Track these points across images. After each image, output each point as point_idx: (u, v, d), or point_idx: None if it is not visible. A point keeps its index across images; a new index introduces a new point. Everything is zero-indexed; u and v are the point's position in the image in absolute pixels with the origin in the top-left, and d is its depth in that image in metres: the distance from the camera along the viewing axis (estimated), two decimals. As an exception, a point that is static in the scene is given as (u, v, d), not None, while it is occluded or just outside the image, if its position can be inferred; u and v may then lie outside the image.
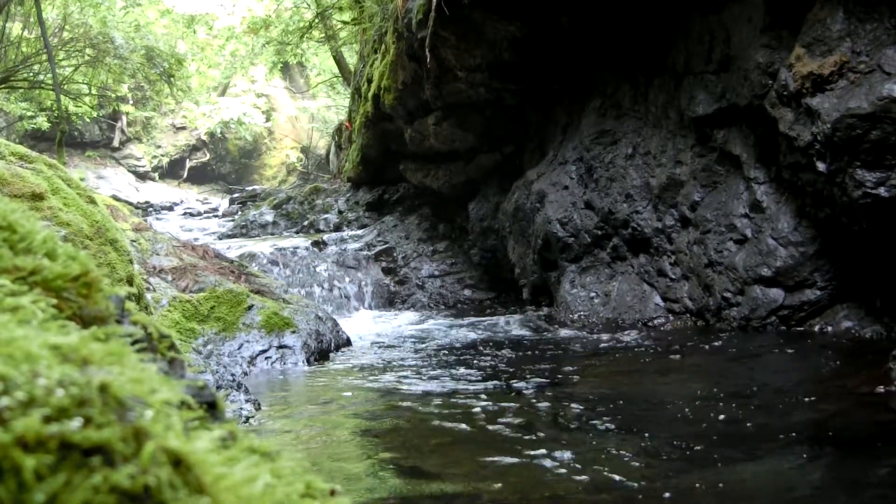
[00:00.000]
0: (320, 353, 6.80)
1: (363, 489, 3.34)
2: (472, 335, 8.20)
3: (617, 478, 3.40)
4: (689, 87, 7.85)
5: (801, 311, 6.82)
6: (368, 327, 9.17)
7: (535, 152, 10.61)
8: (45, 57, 17.67)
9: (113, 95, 23.92)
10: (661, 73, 8.38)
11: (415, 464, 3.70)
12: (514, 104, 10.27)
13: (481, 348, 7.19)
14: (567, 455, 3.76)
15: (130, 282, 4.58)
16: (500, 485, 3.32)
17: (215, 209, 23.00)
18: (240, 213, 18.02)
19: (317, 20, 21.51)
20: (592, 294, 8.81)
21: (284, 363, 6.44)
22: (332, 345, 7.08)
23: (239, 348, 6.37)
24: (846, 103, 5.81)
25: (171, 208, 24.58)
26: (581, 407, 4.71)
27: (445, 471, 3.56)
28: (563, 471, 3.50)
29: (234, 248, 11.65)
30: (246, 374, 6.06)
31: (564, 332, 7.93)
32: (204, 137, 33.56)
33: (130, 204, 19.25)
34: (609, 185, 8.83)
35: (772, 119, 6.67)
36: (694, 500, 3.12)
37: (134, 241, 7.08)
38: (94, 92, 22.30)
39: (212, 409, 0.80)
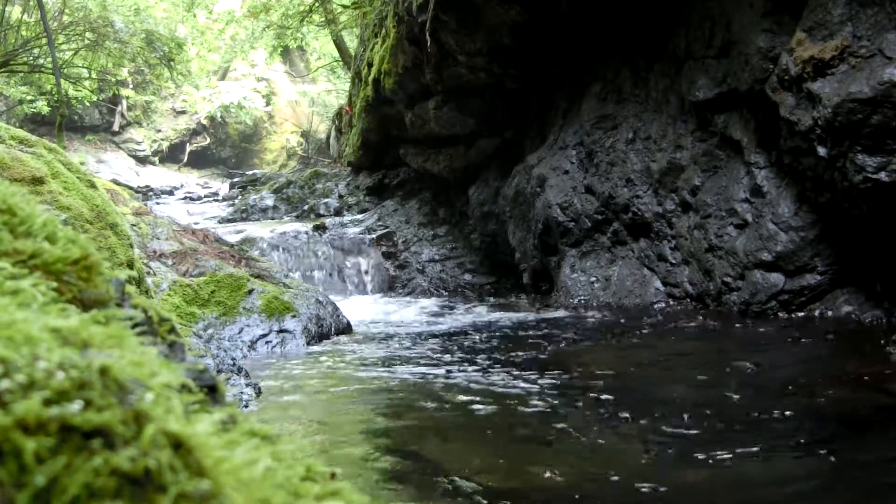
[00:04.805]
0: (321, 338, 6.81)
1: (363, 473, 3.35)
2: (472, 320, 8.21)
3: (617, 465, 3.41)
4: (690, 72, 7.84)
5: (801, 296, 6.82)
6: (369, 312, 9.18)
7: (535, 137, 10.59)
8: (44, 41, 17.62)
9: (113, 79, 23.87)
10: (662, 58, 8.36)
11: (414, 449, 3.71)
12: (514, 89, 10.24)
13: (481, 333, 7.20)
14: (566, 442, 3.77)
15: (131, 266, 4.58)
16: (500, 471, 3.33)
17: (215, 193, 23.00)
18: (240, 197, 18.02)
19: (317, 4, 21.46)
20: (593, 279, 8.81)
21: (285, 347, 6.44)
22: (333, 329, 7.08)
23: (239, 332, 6.38)
24: (847, 88, 5.80)
25: (171, 192, 24.59)
26: (581, 393, 4.72)
27: (445, 456, 3.57)
28: (562, 458, 3.51)
29: (234, 233, 11.64)
30: (246, 358, 6.07)
31: (564, 317, 7.94)
32: (204, 121, 33.52)
33: (130, 188, 19.26)
34: (609, 169, 8.82)
35: (772, 104, 6.66)
36: (695, 486, 3.13)
37: (134, 225, 7.08)
38: (93, 76, 22.26)
39: (212, 392, 0.80)
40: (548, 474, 3.23)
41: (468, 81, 10.24)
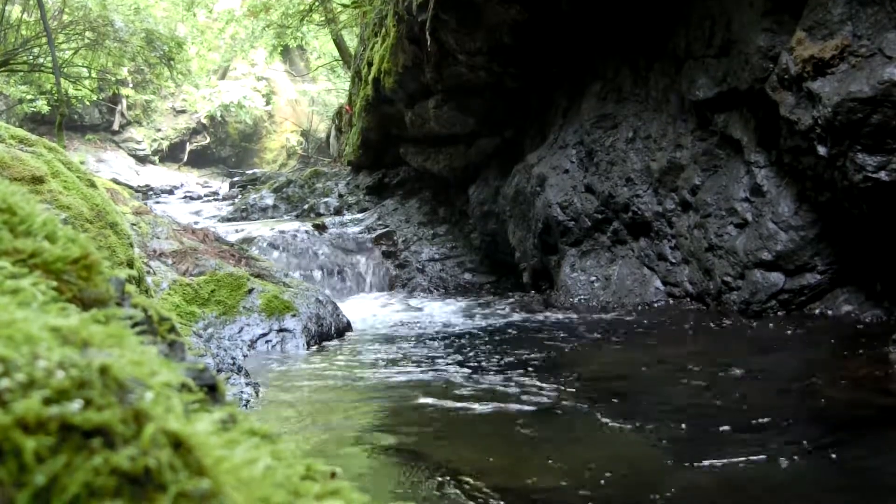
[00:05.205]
0: (321, 337, 6.81)
1: (363, 472, 3.35)
2: (472, 319, 8.20)
3: (617, 465, 3.40)
4: (690, 71, 7.83)
5: (801, 295, 6.82)
6: (369, 311, 9.18)
7: (535, 136, 10.59)
8: (44, 40, 17.62)
9: (113, 79, 23.88)
10: (662, 57, 8.36)
11: (414, 447, 3.71)
12: (514, 88, 10.24)
13: (481, 333, 7.20)
14: (566, 442, 3.77)
15: (131, 265, 4.58)
16: (499, 471, 3.33)
17: (215, 193, 23.00)
18: (240, 196, 18.01)
19: (317, 3, 21.46)
20: (593, 278, 8.81)
21: (285, 347, 6.44)
22: (333, 329, 7.08)
23: (239, 332, 6.38)
24: (847, 87, 5.80)
25: (171, 192, 24.58)
26: (580, 392, 4.72)
27: (444, 455, 3.57)
28: (562, 458, 3.51)
29: (234, 232, 11.65)
30: (246, 357, 6.07)
31: (564, 317, 7.94)
32: (204, 121, 33.54)
33: (130, 187, 19.24)
34: (609, 168, 8.82)
35: (772, 103, 6.66)
36: (695, 486, 3.13)
37: (134, 224, 7.08)
38: (93, 75, 22.26)
39: (212, 391, 0.80)
40: (548, 474, 3.23)
41: (468, 80, 10.24)
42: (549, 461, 3.39)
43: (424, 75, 10.64)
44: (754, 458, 3.38)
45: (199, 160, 33.82)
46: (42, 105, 23.14)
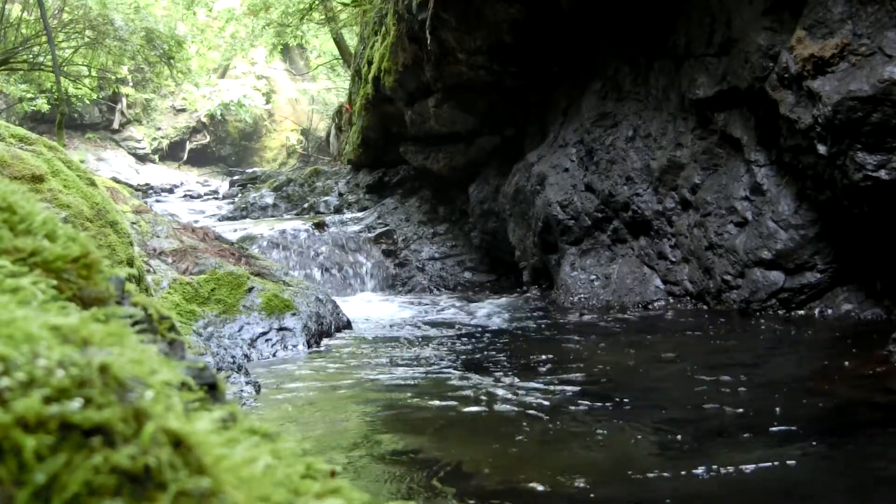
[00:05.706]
0: (320, 336, 6.80)
1: (363, 471, 3.35)
2: (472, 318, 8.20)
3: (617, 465, 3.40)
4: (690, 70, 7.83)
5: (801, 294, 6.82)
6: (369, 310, 9.17)
7: (535, 135, 10.59)
8: (44, 39, 17.61)
9: (113, 77, 23.88)
10: (662, 56, 8.35)
11: (415, 446, 3.71)
12: (514, 86, 10.24)
13: (480, 332, 7.20)
14: (566, 443, 3.77)
15: (131, 264, 4.58)
16: (499, 471, 3.33)
17: (215, 191, 22.99)
18: (240, 195, 18.00)
19: (317, 2, 21.45)
20: (592, 277, 8.81)
21: (285, 345, 6.44)
22: (333, 327, 7.08)
23: (239, 331, 6.37)
24: (847, 86, 5.80)
25: (171, 190, 24.58)
26: (581, 393, 4.72)
27: (445, 455, 3.57)
28: (562, 458, 3.51)
29: (234, 231, 11.64)
30: (246, 356, 6.06)
31: (564, 315, 7.93)
32: (204, 119, 33.53)
33: (130, 186, 19.22)
34: (609, 167, 8.82)
35: (772, 102, 6.65)
36: (694, 488, 3.13)
37: (134, 223, 7.08)
38: (93, 74, 22.25)
39: (212, 390, 0.80)
40: (547, 474, 3.23)
41: (468, 79, 10.24)
42: (549, 461, 3.39)
43: (424, 74, 10.64)
44: (754, 457, 3.37)
45: (199, 159, 33.81)
46: (42, 104, 23.14)
